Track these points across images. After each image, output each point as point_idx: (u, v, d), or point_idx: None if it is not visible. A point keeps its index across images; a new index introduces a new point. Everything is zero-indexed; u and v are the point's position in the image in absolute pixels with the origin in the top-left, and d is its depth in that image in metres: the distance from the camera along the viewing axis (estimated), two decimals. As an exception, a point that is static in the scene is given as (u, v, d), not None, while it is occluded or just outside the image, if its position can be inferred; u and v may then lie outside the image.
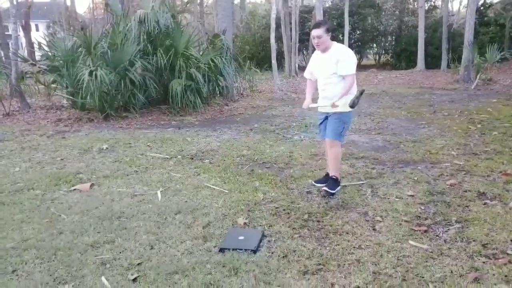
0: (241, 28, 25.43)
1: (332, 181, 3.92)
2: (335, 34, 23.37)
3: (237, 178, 4.48)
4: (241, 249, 2.86)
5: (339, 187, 3.93)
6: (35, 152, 5.93)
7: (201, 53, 9.73)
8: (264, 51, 22.86)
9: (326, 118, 3.95)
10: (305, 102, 4.07)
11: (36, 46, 10.56)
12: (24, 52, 11.97)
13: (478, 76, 12.69)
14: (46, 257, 2.89)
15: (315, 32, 3.67)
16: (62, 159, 5.51)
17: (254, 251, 2.85)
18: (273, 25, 17.77)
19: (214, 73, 9.64)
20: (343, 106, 3.70)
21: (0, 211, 3.74)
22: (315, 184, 4.15)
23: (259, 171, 4.71)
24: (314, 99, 4.06)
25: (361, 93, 3.68)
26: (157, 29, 8.99)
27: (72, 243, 3.08)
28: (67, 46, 8.94)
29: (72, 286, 2.52)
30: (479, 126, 6.78)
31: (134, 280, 2.57)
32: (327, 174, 4.12)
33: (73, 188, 4.34)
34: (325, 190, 3.86)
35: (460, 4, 34.19)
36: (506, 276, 2.49)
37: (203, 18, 27.27)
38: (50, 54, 9.41)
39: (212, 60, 9.40)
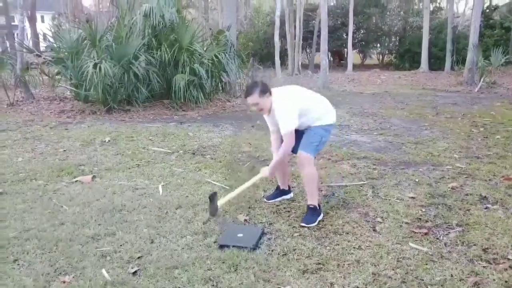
0: (245, 25, 25.40)
1: (310, 212, 3.34)
2: (339, 33, 23.31)
3: (238, 175, 4.49)
4: (240, 246, 2.86)
5: (320, 216, 3.34)
6: (38, 143, 5.94)
7: (205, 49, 9.72)
8: (267, 48, 22.84)
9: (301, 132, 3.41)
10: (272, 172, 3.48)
11: (41, 37, 10.56)
12: (30, 43, 11.96)
13: (482, 79, 12.66)
14: (47, 247, 2.90)
15: (249, 101, 3.25)
16: (64, 151, 5.52)
17: (253, 249, 2.85)
18: (277, 23, 17.74)
19: (217, 69, 9.64)
20: (320, 121, 3.36)
21: (2, 201, 3.76)
22: (267, 200, 3.73)
23: (260, 168, 4.70)
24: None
25: (211, 199, 3.30)
26: (162, 23, 8.98)
27: (73, 234, 3.09)
28: (72, 38, 8.94)
29: (73, 277, 2.53)
30: (482, 129, 6.77)
31: (134, 273, 2.58)
32: (278, 187, 3.80)
33: (75, 179, 4.36)
34: (302, 225, 3.23)
35: (466, 6, 34.13)
36: (506, 281, 2.49)
37: (207, 14, 27.23)
38: (55, 45, 9.42)
39: (216, 56, 9.40)
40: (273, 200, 3.73)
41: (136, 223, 3.30)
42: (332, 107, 3.51)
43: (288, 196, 3.81)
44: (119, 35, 8.69)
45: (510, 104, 9.35)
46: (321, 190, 4.01)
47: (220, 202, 3.35)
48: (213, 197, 3.31)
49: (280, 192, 3.81)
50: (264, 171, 3.43)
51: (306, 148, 3.31)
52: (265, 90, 3.21)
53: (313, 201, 3.36)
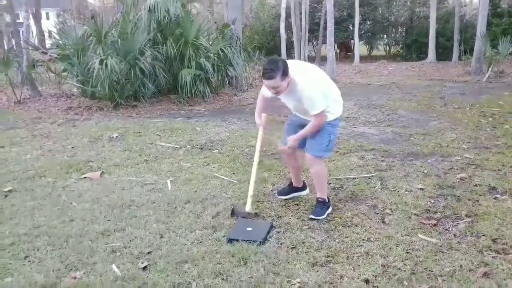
0: (250, 18, 25.31)
1: (319, 205, 3.33)
2: (346, 25, 23.17)
3: (246, 169, 4.49)
4: (248, 241, 2.87)
5: (329, 209, 3.34)
6: (46, 140, 5.99)
7: (210, 43, 9.69)
8: (273, 41, 22.77)
9: (302, 124, 3.22)
10: (257, 119, 3.43)
11: (46, 34, 10.61)
12: (35, 40, 12.01)
13: (490, 69, 12.52)
14: (58, 244, 2.93)
15: (268, 84, 2.97)
16: (72, 147, 5.55)
17: (262, 243, 2.86)
18: (283, 15, 17.64)
19: (223, 63, 9.62)
20: (329, 114, 3.14)
21: (12, 198, 3.80)
22: (279, 196, 3.65)
23: (268, 162, 4.72)
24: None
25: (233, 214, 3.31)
26: (167, 18, 8.97)
27: (83, 230, 3.12)
28: (77, 35, 8.98)
29: (83, 273, 2.56)
30: (490, 119, 6.70)
31: (144, 268, 2.60)
32: (291, 183, 3.68)
33: (83, 176, 4.39)
34: (311, 218, 3.23)
35: (473, -5, 33.60)
36: (516, 271, 2.48)
37: (212, 7, 27.14)
38: (60, 42, 9.45)
39: (222, 50, 9.38)
40: (286, 197, 3.64)
41: (146, 218, 3.32)
42: (340, 93, 3.33)
43: (304, 193, 3.71)
44: (125, 30, 8.69)
45: (519, 93, 9.24)
46: (330, 183, 4.01)
47: (247, 206, 3.31)
48: (233, 213, 3.32)
49: (293, 188, 3.68)
50: (292, 141, 3.19)
51: (314, 151, 3.21)
52: (286, 72, 2.91)
53: (322, 194, 3.35)
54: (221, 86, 10.24)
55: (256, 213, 3.36)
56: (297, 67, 3.06)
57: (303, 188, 3.72)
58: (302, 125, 3.20)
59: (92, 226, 3.20)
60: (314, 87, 3.01)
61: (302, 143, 3.26)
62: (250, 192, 3.34)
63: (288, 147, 3.25)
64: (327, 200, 3.37)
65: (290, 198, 3.64)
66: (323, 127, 3.14)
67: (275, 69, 2.87)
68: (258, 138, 3.46)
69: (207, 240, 2.94)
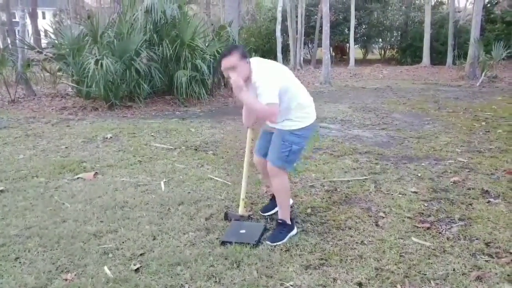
0: (247, 20, 25.33)
1: (278, 227, 2.97)
2: (341, 28, 23.26)
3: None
4: (242, 243, 2.85)
5: (292, 232, 2.99)
6: (40, 140, 5.94)
7: (206, 44, 9.70)
8: (269, 44, 22.78)
9: (271, 135, 3.01)
10: (244, 120, 3.21)
11: (42, 33, 10.57)
12: (31, 40, 11.95)
13: (483, 73, 12.61)
14: (49, 245, 2.90)
15: (226, 64, 2.73)
16: (66, 147, 5.52)
17: (255, 245, 2.85)
18: (279, 18, 17.67)
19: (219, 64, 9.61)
20: (292, 122, 2.88)
21: (4, 198, 3.76)
22: (262, 213, 3.36)
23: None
24: None
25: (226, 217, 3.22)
26: (164, 19, 8.97)
27: (75, 231, 3.09)
28: (73, 35, 8.95)
29: (75, 274, 2.53)
30: (483, 123, 6.74)
31: (137, 270, 2.58)
32: (273, 197, 3.32)
33: (76, 176, 4.36)
34: (267, 243, 2.86)
35: (467, 1, 33.84)
36: (508, 275, 2.48)
37: (209, 9, 27.15)
38: (56, 42, 9.41)
39: (218, 52, 9.37)
40: (270, 213, 3.34)
41: (138, 219, 3.30)
42: (311, 100, 3.02)
43: None
44: (121, 31, 8.68)
45: (511, 98, 9.31)
46: (324, 186, 4.01)
47: (240, 208, 3.27)
48: (226, 216, 3.27)
49: (275, 203, 3.23)
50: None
51: (273, 158, 2.90)
52: (245, 55, 2.74)
53: (282, 214, 2.99)
54: (216, 87, 10.24)
55: (249, 216, 3.35)
56: (262, 63, 2.87)
57: None
58: (270, 138, 3.01)
59: (84, 227, 3.17)
60: (268, 75, 2.74)
61: (264, 152, 3.06)
62: (242, 195, 3.28)
63: (231, 83, 2.77)
64: (288, 222, 2.99)
65: (274, 214, 3.29)
66: (284, 135, 2.86)
67: (232, 48, 2.77)
68: (247, 139, 3.32)
69: (200, 242, 2.92)
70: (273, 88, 2.69)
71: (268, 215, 3.36)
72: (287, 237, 2.94)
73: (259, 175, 4.31)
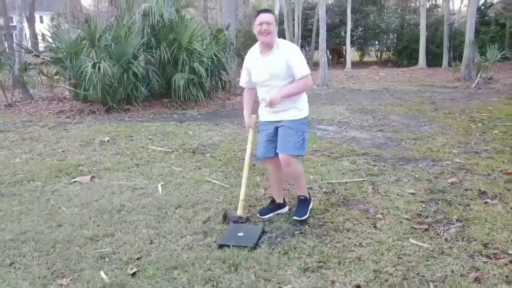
0: (244, 23, 25.33)
1: (301, 203, 3.31)
2: (338, 31, 23.34)
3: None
4: (240, 246, 2.84)
5: (310, 205, 3.36)
6: (36, 143, 5.92)
7: (204, 48, 9.69)
8: (266, 46, 22.76)
9: (276, 129, 3.20)
10: (246, 120, 3.37)
11: (40, 37, 10.56)
12: (28, 44, 11.93)
13: (479, 75, 12.67)
14: (45, 250, 2.87)
15: (265, 17, 2.95)
16: (63, 151, 5.50)
17: (253, 248, 2.84)
18: (276, 20, 17.65)
19: (217, 67, 9.64)
20: (298, 111, 3.15)
21: None
22: (260, 216, 3.35)
23: (260, 166, 4.69)
24: (254, 111, 3.41)
25: (244, 222, 3.22)
26: (161, 23, 8.98)
27: (71, 236, 3.07)
28: (71, 38, 8.93)
29: (70, 280, 2.51)
30: (479, 124, 6.75)
31: (133, 274, 2.56)
32: (273, 200, 3.47)
33: (73, 180, 4.33)
34: (295, 219, 3.20)
35: (461, 3, 34.05)
36: (507, 276, 2.47)
37: (206, 13, 27.20)
38: (54, 45, 9.39)
39: (215, 55, 9.39)
40: (268, 216, 3.36)
41: (135, 223, 3.28)
42: None
43: (284, 210, 3.45)
44: (118, 34, 8.67)
45: (507, 99, 9.34)
46: (322, 187, 4.00)
47: (239, 210, 3.28)
48: (225, 217, 3.28)
49: (275, 206, 3.44)
50: (274, 98, 2.99)
51: (290, 151, 3.09)
52: (277, 23, 3.07)
53: (303, 192, 3.34)
54: (214, 90, 10.25)
55: (247, 218, 3.32)
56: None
57: (284, 205, 3.48)
58: (275, 133, 3.18)
59: (80, 231, 3.15)
60: (298, 50, 3.06)
61: (275, 150, 3.19)
62: (241, 196, 3.30)
63: (267, 105, 3.03)
64: (308, 197, 3.38)
65: (272, 217, 3.35)
66: (296, 126, 3.11)
67: (271, 10, 3.01)
68: (248, 140, 3.39)
69: (198, 246, 2.90)
70: (305, 61, 3.02)
71: (266, 218, 3.34)
72: (307, 212, 3.28)
73: (257, 177, 4.31)
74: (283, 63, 2.99)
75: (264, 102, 3.13)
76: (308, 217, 3.27)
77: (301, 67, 3.00)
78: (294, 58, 2.98)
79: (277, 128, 3.19)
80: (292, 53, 2.99)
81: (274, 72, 3.03)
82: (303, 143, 3.13)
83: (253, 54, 3.19)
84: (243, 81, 3.37)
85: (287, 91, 3.02)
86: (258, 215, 3.39)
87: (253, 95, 3.41)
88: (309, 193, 3.43)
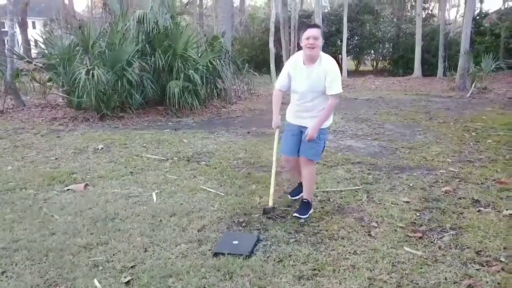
0: (240, 31, 25.44)
1: (303, 205, 3.60)
2: (334, 40, 23.51)
3: (234, 181, 4.46)
4: (234, 254, 2.83)
5: (311, 210, 3.59)
6: (29, 151, 5.88)
7: (199, 55, 9.71)
8: (262, 55, 22.84)
9: (300, 131, 3.50)
10: (274, 120, 3.59)
11: (32, 43, 10.53)
12: (20, 50, 11.90)
13: (473, 85, 12.76)
14: (37, 258, 2.85)
15: (313, 32, 3.18)
16: (56, 159, 5.46)
17: (248, 256, 2.83)
18: (272, 29, 17.79)
19: (212, 75, 9.63)
20: (328, 122, 3.48)
21: (-8, 210, 3.70)
22: (292, 197, 3.90)
23: (256, 175, 4.70)
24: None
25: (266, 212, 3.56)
26: (156, 29, 8.97)
27: (64, 244, 3.05)
28: (64, 44, 8.88)
29: None
30: (473, 134, 6.80)
31: (127, 283, 2.54)
32: (300, 183, 3.83)
33: (66, 188, 4.31)
34: (296, 216, 3.49)
35: (457, 13, 34.42)
36: (499, 283, 2.49)
37: (202, 20, 27.29)
38: (46, 51, 9.35)
39: (211, 62, 9.40)
40: (298, 196, 3.83)
41: (130, 231, 3.26)
42: None
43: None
44: (112, 41, 8.65)
45: (501, 109, 9.41)
46: (317, 196, 4.00)
47: (270, 202, 3.58)
48: (265, 211, 3.56)
49: (302, 187, 3.79)
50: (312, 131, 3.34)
51: (310, 155, 3.49)
52: (323, 37, 3.26)
53: (308, 196, 3.60)
54: (209, 98, 10.22)
55: (274, 207, 3.60)
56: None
57: None
58: (299, 134, 3.50)
59: (74, 239, 3.13)
60: (337, 67, 3.29)
61: (297, 151, 3.54)
62: (271, 190, 3.59)
63: (308, 139, 3.36)
64: (311, 202, 3.64)
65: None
66: (320, 134, 3.38)
67: (319, 25, 3.34)
68: (275, 139, 3.72)
69: (192, 254, 2.89)
70: (340, 81, 3.28)
71: (296, 198, 3.82)
72: (308, 213, 3.53)
73: (253, 185, 4.31)
74: (323, 77, 3.27)
75: (303, 135, 3.43)
76: (307, 217, 3.48)
77: (336, 85, 3.27)
78: (332, 74, 3.25)
79: (301, 130, 3.48)
80: (332, 68, 3.26)
81: (313, 85, 3.31)
82: (322, 151, 3.55)
83: (297, 62, 3.40)
84: (280, 84, 3.53)
85: (321, 120, 3.33)
86: (289, 196, 3.91)
87: (281, 96, 3.58)
88: (312, 201, 3.66)
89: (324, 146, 3.56)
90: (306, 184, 3.60)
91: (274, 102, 3.58)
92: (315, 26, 3.29)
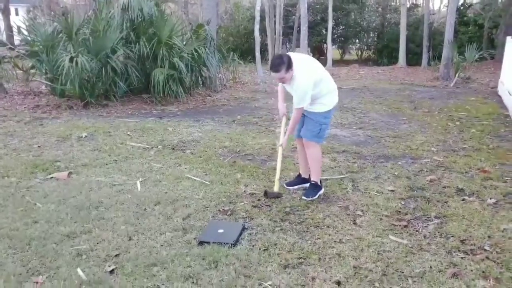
0: (225, 19, 25.23)
1: (311, 187, 3.73)
2: (319, 29, 23.48)
3: (219, 170, 4.44)
4: (220, 243, 2.82)
5: (321, 191, 3.71)
6: (11, 139, 5.75)
7: (184, 43, 9.58)
8: (248, 43, 22.71)
9: (304, 116, 3.73)
10: (280, 108, 3.87)
11: (15, 30, 10.23)
12: (3, 36, 11.58)
13: (457, 74, 12.90)
14: (20, 247, 2.80)
15: (275, 76, 3.47)
16: (39, 147, 5.35)
17: (233, 245, 2.82)
18: (257, 18, 17.64)
19: (197, 63, 9.52)
20: (322, 106, 3.61)
21: (-28, 199, 3.61)
22: (287, 187, 3.92)
23: (241, 163, 4.68)
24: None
25: (277, 197, 3.68)
26: (141, 17, 8.81)
27: (47, 232, 3.00)
28: (47, 31, 8.66)
29: (46, 277, 2.45)
30: (457, 123, 6.88)
31: (111, 271, 2.51)
32: (299, 175, 3.99)
33: (50, 176, 4.23)
34: (303, 198, 3.63)
35: (441, 3, 34.62)
36: (483, 272, 2.53)
37: (187, 8, 26.91)
38: (29, 38, 9.12)
39: (196, 50, 9.27)
40: (294, 187, 3.90)
41: (114, 220, 3.22)
42: (336, 87, 3.74)
43: (307, 185, 3.85)
44: (96, 28, 8.47)
45: (484, 99, 9.53)
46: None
47: (275, 187, 3.69)
48: (266, 194, 3.69)
49: (301, 180, 3.95)
50: (283, 143, 3.76)
51: (307, 136, 3.67)
52: (290, 66, 3.39)
53: (315, 177, 3.71)
54: (194, 86, 10.11)
55: (279, 194, 3.68)
56: (299, 61, 3.49)
57: (307, 181, 3.88)
58: (302, 117, 3.71)
59: (57, 228, 3.07)
60: (305, 81, 3.44)
61: (299, 132, 3.77)
62: (277, 176, 3.70)
63: (283, 145, 3.77)
64: (319, 183, 3.72)
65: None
66: (315, 118, 3.61)
67: (280, 63, 3.37)
68: (281, 126, 3.86)
69: (177, 243, 2.87)
70: (305, 93, 3.45)
71: (292, 189, 3.86)
72: (317, 195, 3.66)
73: (238, 174, 4.29)
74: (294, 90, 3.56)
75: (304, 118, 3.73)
76: (316, 198, 3.63)
77: (295, 101, 3.52)
78: (296, 92, 3.49)
79: (304, 114, 3.68)
80: (297, 88, 3.47)
81: (292, 93, 3.59)
82: (319, 132, 3.65)
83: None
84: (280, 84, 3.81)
85: (290, 127, 3.68)
86: (285, 185, 3.92)
87: (286, 92, 3.82)
88: (321, 181, 3.76)
89: (325, 130, 3.69)
90: (311, 166, 3.76)
91: (279, 93, 3.88)
92: (275, 70, 3.41)
